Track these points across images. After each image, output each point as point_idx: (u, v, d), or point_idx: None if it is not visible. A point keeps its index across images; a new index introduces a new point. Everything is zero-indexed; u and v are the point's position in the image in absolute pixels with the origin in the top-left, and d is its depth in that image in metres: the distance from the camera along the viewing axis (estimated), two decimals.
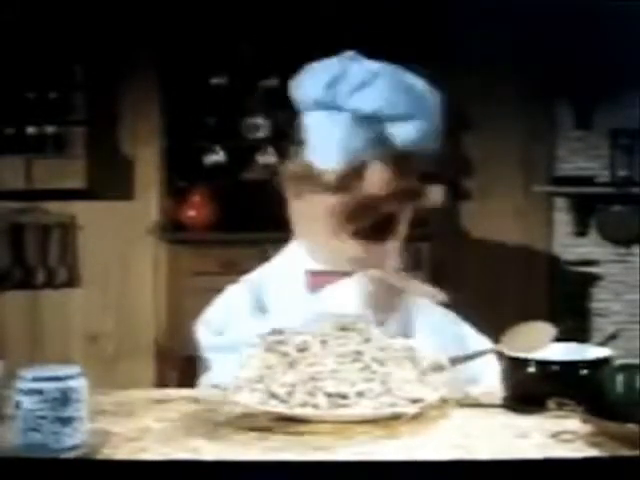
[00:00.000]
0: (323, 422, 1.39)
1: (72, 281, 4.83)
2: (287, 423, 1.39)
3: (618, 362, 1.43)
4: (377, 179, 1.80)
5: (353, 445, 1.32)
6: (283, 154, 1.96)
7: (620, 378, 1.36)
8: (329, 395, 1.39)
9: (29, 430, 1.25)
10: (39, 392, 1.25)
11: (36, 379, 1.26)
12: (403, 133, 1.83)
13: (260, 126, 4.91)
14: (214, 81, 4.87)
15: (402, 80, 1.86)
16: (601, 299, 5.11)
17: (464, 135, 5.04)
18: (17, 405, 1.27)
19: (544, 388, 1.46)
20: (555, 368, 1.48)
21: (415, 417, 1.42)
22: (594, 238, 5.09)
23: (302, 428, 1.38)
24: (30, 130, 4.68)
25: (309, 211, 1.83)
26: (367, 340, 1.49)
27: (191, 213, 4.76)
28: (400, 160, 1.83)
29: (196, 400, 1.56)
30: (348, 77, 1.82)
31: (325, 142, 1.79)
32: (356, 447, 1.31)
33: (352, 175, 1.78)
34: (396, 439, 1.34)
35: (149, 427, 1.40)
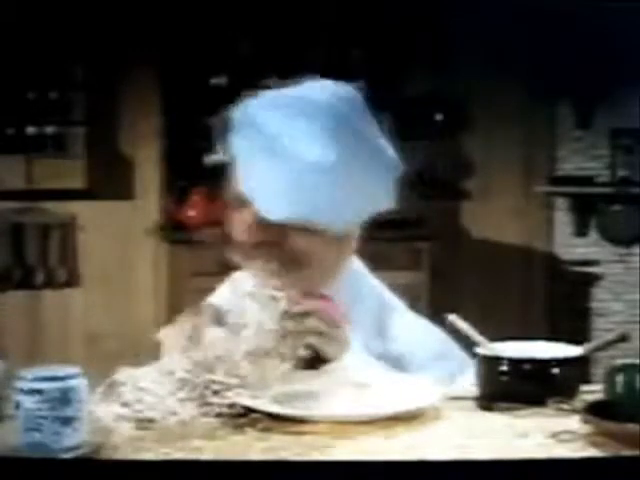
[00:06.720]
0: (323, 422, 1.39)
1: (72, 281, 4.83)
2: (287, 423, 1.39)
3: (618, 362, 1.43)
4: (242, 223, 1.67)
5: (353, 445, 1.32)
6: None
7: (620, 378, 1.36)
8: None
9: (29, 430, 1.25)
10: (39, 392, 1.25)
11: (36, 379, 1.26)
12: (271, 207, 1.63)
13: None
14: (214, 81, 4.87)
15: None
16: (601, 299, 5.11)
17: (464, 135, 5.04)
18: (17, 405, 1.27)
19: (516, 386, 1.49)
20: (527, 366, 1.50)
21: (414, 417, 1.43)
22: (594, 238, 5.10)
23: (302, 428, 1.38)
24: (30, 130, 4.68)
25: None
26: None
27: (191, 213, 4.76)
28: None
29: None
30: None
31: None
32: (356, 447, 1.31)
33: (233, 206, 1.68)
34: (396, 439, 1.34)
35: (149, 427, 1.40)
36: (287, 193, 1.61)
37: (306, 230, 1.65)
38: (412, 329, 1.80)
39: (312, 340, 1.57)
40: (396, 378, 1.60)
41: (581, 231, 5.10)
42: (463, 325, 1.63)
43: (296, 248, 1.66)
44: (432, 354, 1.75)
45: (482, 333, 1.65)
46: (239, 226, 1.68)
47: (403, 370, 1.69)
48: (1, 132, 4.65)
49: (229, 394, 1.44)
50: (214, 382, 1.46)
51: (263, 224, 1.64)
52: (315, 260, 1.68)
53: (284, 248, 1.66)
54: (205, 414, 1.42)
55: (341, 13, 4.82)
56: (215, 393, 1.45)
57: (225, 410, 1.43)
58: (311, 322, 1.57)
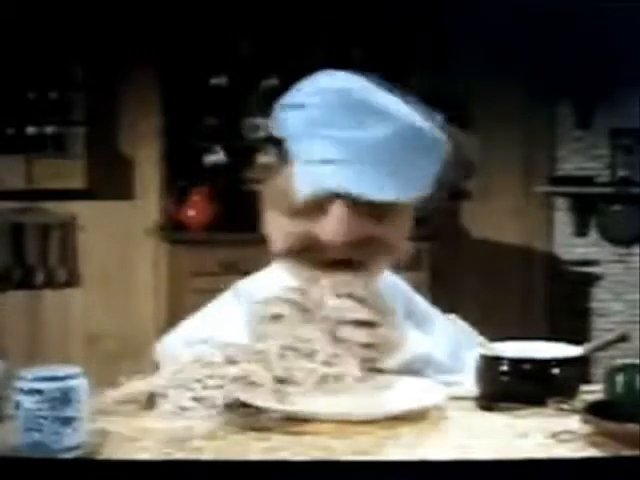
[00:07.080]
0: (323, 422, 1.39)
1: (72, 281, 4.83)
2: (287, 423, 1.39)
3: (618, 362, 1.43)
4: (333, 224, 1.58)
5: (353, 445, 1.31)
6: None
7: (620, 378, 1.36)
8: None
9: (29, 430, 1.25)
10: (39, 392, 1.25)
11: (36, 379, 1.26)
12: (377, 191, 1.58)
13: (260, 126, 4.91)
14: (214, 81, 4.87)
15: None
16: (601, 299, 5.11)
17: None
18: (17, 405, 1.27)
19: (516, 386, 1.50)
20: (527, 366, 1.50)
21: (415, 417, 1.42)
22: (594, 238, 5.10)
23: (302, 428, 1.38)
24: (30, 130, 4.68)
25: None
26: None
27: (191, 213, 4.76)
28: (372, 206, 1.59)
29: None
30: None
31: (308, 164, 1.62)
32: (356, 447, 1.31)
33: (309, 209, 1.60)
34: (396, 439, 1.34)
35: (149, 427, 1.40)
36: (391, 172, 1.58)
37: (392, 213, 1.62)
38: (429, 331, 1.79)
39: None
40: (403, 379, 1.59)
41: (581, 231, 5.10)
42: (463, 325, 1.63)
43: (388, 234, 1.63)
44: (447, 355, 1.75)
45: (482, 333, 1.65)
46: (330, 226, 1.58)
47: (419, 371, 1.67)
48: (1, 132, 4.65)
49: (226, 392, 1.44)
50: (211, 377, 1.45)
51: (360, 216, 1.59)
52: (396, 246, 1.66)
53: (376, 238, 1.62)
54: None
55: (341, 13, 4.82)
56: (205, 389, 1.44)
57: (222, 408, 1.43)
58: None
